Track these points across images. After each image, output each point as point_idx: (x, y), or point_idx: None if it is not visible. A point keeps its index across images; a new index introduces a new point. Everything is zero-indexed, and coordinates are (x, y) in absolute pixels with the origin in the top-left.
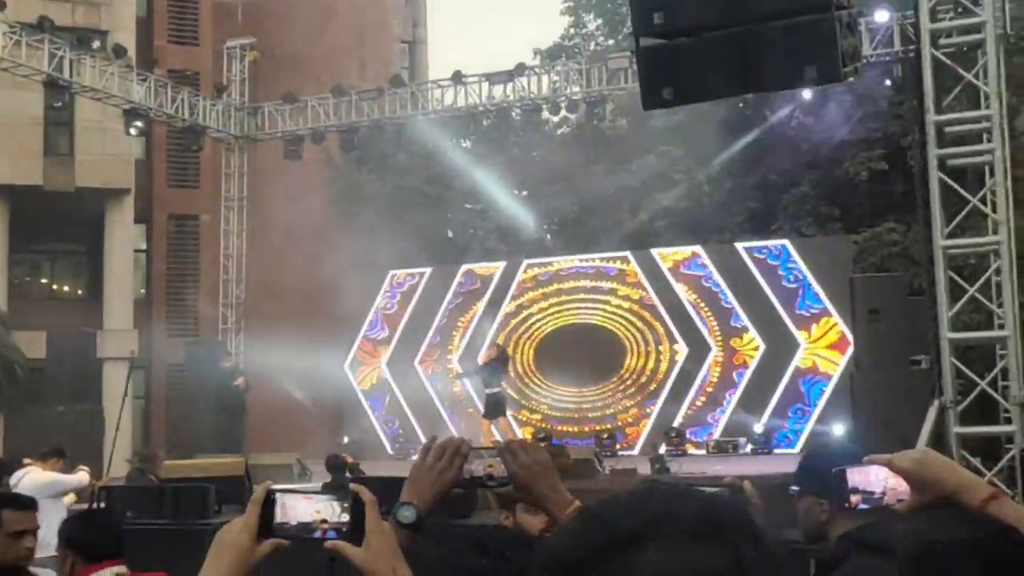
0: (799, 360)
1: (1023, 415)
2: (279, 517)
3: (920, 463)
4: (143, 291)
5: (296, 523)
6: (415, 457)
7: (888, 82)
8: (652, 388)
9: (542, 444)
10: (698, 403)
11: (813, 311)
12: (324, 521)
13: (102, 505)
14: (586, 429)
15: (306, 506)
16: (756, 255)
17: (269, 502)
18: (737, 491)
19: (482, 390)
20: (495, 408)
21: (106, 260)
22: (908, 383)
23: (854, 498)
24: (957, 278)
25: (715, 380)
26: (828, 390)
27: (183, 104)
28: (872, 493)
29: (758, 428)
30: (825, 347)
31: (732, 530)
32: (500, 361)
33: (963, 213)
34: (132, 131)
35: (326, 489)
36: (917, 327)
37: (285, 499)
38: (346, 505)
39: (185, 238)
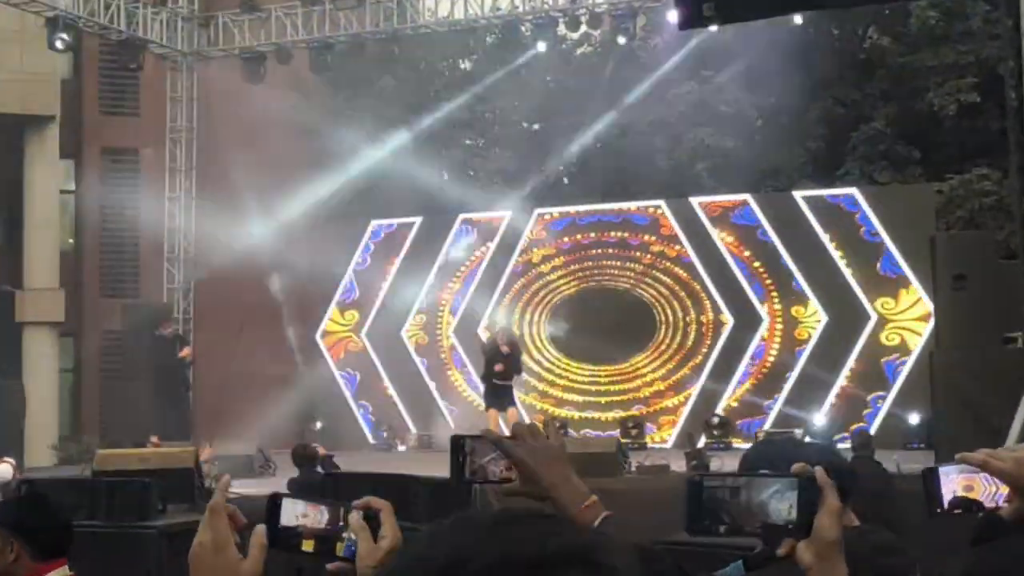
0: (884, 336)
1: None
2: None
3: (1022, 464)
4: (71, 241)
5: (280, 527)
6: (401, 448)
7: None
8: (690, 367)
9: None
10: (746, 386)
11: (894, 276)
12: (307, 528)
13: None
14: (609, 416)
15: (297, 509)
16: (819, 205)
17: (274, 508)
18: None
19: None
20: (505, 398)
21: (26, 203)
22: (1000, 364)
23: (949, 502)
24: None
25: (767, 359)
26: (904, 371)
27: (119, 12)
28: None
29: (818, 418)
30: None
31: (550, 569)
32: (516, 357)
33: None
34: (57, 45)
35: (294, 486)
36: (1013, 297)
37: (287, 506)
38: (337, 513)
39: (122, 176)
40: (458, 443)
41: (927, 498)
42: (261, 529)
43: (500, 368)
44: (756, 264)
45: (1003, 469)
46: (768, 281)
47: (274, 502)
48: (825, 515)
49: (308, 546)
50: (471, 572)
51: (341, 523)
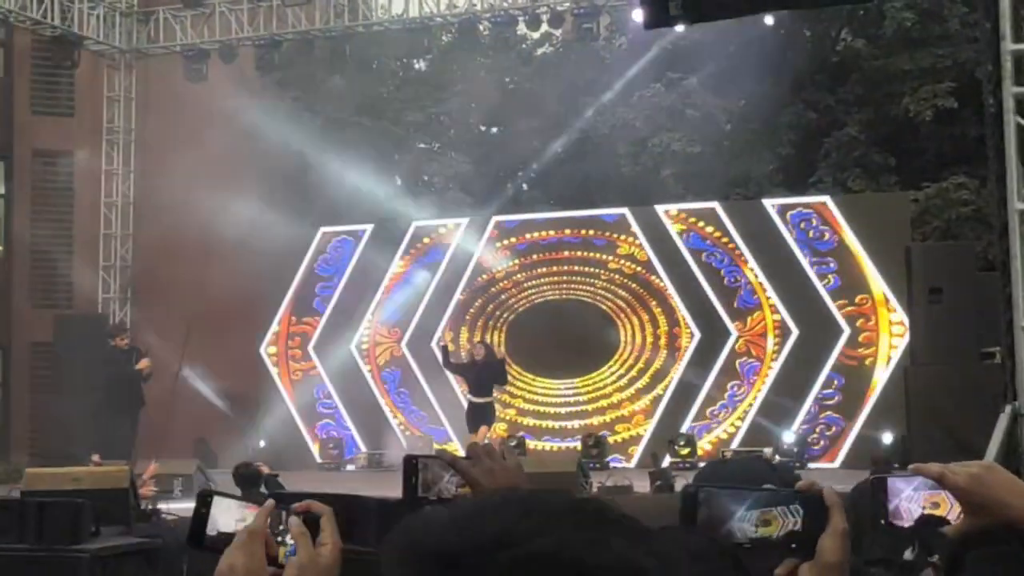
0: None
1: None
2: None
3: (979, 479)
4: (0, 248)
5: (216, 532)
6: (350, 468)
7: None
8: (655, 384)
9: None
10: (712, 403)
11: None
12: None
13: None
14: (567, 443)
15: (233, 512)
16: (790, 214)
17: (204, 502)
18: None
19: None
20: (485, 417)
21: None
22: (978, 381)
23: (895, 515)
24: None
25: (735, 374)
26: (878, 388)
27: (52, 6)
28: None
29: (788, 436)
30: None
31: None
32: (495, 366)
33: None
34: None
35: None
36: (991, 310)
37: (222, 507)
38: (279, 517)
39: (55, 180)
40: (411, 463)
41: (875, 508)
42: (295, 561)
43: (465, 384)
44: (724, 275)
45: (957, 484)
46: (736, 293)
47: (204, 499)
48: (829, 536)
49: None
50: (511, 559)
51: (282, 526)
